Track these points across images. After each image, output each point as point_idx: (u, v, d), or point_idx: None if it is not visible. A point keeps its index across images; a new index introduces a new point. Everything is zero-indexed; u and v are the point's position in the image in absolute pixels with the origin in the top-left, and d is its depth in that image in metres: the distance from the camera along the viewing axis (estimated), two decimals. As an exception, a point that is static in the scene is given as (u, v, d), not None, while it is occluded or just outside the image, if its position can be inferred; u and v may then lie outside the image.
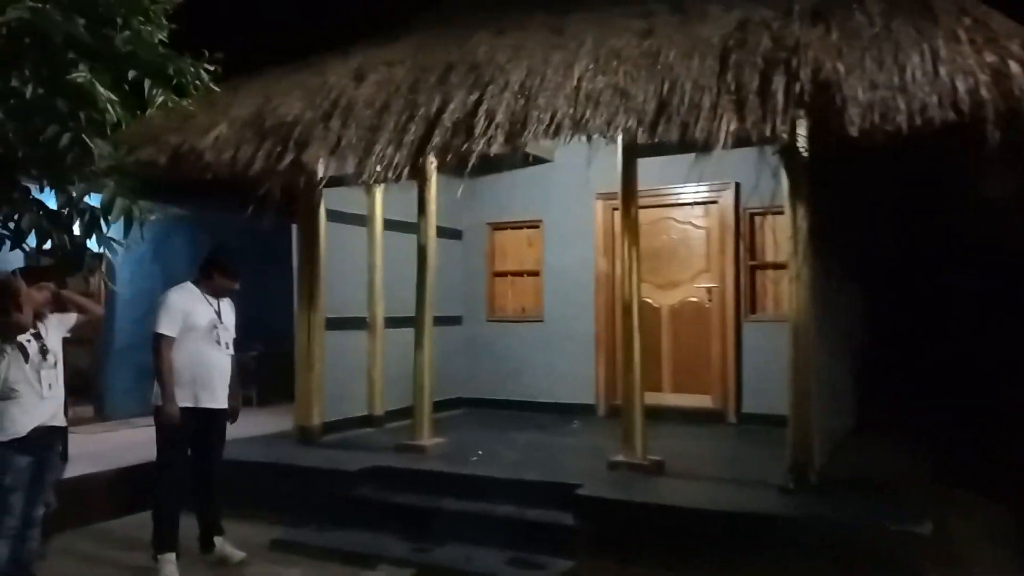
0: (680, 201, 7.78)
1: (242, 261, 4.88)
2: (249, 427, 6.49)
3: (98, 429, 7.63)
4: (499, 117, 4.55)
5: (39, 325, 3.97)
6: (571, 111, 4.39)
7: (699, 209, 7.81)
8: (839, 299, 5.82)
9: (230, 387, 4.83)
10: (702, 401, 7.65)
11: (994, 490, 5.19)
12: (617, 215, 8.02)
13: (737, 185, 7.47)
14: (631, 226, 5.44)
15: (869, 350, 6.75)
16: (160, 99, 3.40)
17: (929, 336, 6.88)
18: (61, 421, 4.11)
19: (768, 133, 3.86)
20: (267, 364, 9.27)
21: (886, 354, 6.60)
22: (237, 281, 4.78)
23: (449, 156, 4.77)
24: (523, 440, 6.63)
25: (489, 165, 6.60)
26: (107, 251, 3.59)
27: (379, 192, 7.25)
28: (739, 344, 7.48)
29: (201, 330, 4.59)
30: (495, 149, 4.64)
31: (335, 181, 6.55)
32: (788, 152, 4.79)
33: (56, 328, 4.11)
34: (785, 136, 4.74)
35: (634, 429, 5.37)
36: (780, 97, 3.85)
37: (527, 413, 8.05)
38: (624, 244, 5.45)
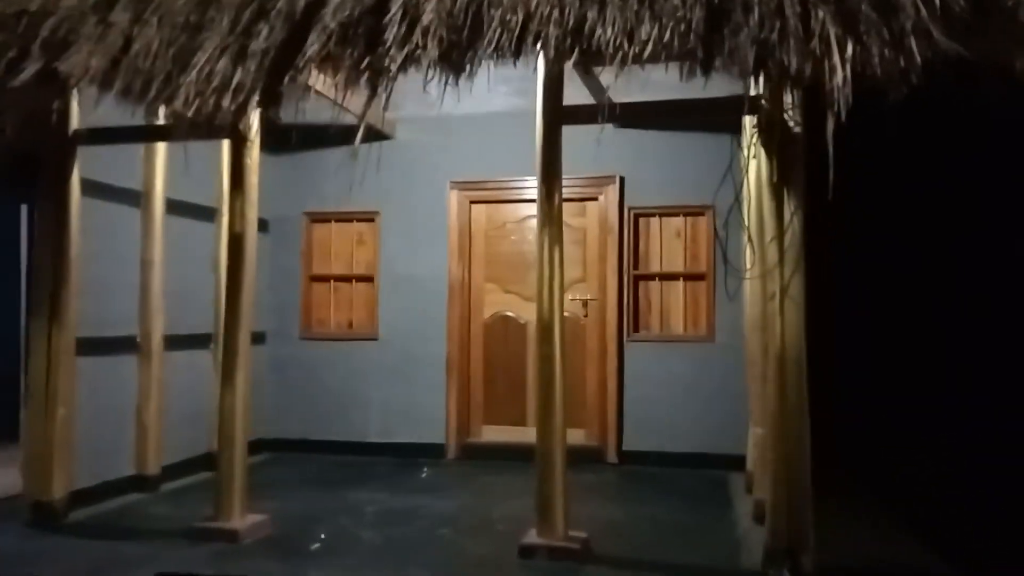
0: (550, 196, 6.39)
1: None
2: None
3: None
4: (427, 17, 2.81)
5: None
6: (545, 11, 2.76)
7: (574, 207, 6.49)
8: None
9: None
10: (575, 437, 6.25)
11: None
12: (476, 209, 6.67)
13: (621, 180, 6.28)
14: (553, 218, 3.99)
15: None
16: None
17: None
18: None
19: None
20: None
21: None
22: None
23: (347, 75, 2.92)
24: (370, 505, 4.88)
25: (307, 139, 4.89)
26: None
27: (161, 156, 5.18)
28: (621, 369, 6.26)
29: None
30: (429, 68, 2.90)
31: (103, 135, 4.49)
32: (771, 124, 3.66)
33: None
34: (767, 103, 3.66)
35: (554, 498, 3.89)
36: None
37: (354, 458, 6.29)
38: (544, 241, 4.01)
